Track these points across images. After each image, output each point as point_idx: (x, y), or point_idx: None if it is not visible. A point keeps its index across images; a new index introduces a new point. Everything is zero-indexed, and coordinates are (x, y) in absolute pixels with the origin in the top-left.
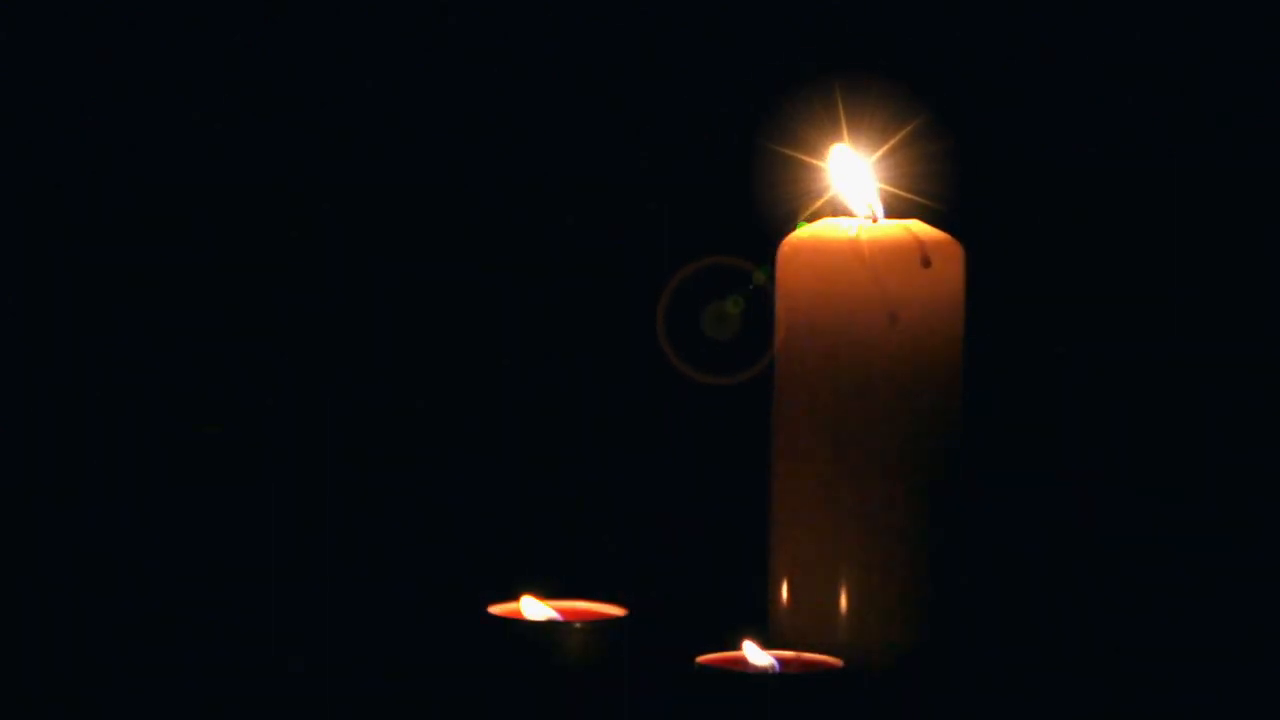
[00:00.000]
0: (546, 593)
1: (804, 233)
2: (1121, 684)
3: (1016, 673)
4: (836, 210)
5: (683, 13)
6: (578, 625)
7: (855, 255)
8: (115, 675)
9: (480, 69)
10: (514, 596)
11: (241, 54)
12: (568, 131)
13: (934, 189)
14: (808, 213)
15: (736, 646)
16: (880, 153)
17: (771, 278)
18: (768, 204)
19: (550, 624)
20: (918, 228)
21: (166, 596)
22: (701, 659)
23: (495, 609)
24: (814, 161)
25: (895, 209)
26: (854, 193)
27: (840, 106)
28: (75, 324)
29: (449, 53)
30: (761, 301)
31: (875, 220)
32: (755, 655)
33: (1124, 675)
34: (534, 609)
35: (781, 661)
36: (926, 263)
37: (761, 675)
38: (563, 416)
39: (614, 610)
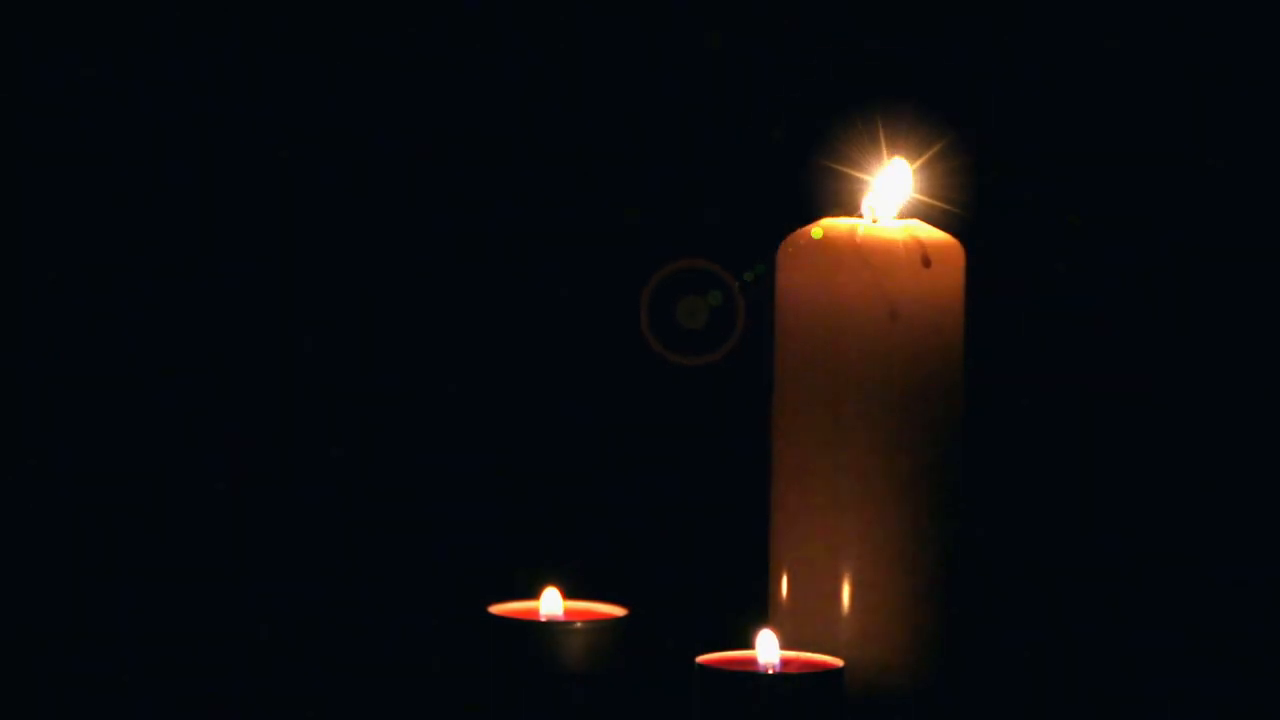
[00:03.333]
0: (568, 589)
1: (804, 232)
2: (1121, 683)
3: (1016, 672)
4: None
5: (682, 11)
6: (578, 625)
7: (856, 255)
8: (115, 676)
9: (480, 69)
10: (536, 590)
11: (240, 52)
12: (567, 131)
13: (944, 190)
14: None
15: (751, 641)
16: (919, 162)
17: (768, 274)
18: (769, 204)
19: (550, 624)
20: (918, 228)
21: (166, 597)
22: (702, 659)
23: (502, 607)
24: (836, 167)
25: (902, 210)
26: (890, 202)
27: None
28: (74, 323)
29: (448, 52)
30: (758, 295)
31: (876, 221)
32: (766, 649)
33: (1123, 675)
34: (553, 602)
35: (781, 661)
36: (927, 263)
37: (761, 675)
38: (562, 416)
39: (614, 610)
